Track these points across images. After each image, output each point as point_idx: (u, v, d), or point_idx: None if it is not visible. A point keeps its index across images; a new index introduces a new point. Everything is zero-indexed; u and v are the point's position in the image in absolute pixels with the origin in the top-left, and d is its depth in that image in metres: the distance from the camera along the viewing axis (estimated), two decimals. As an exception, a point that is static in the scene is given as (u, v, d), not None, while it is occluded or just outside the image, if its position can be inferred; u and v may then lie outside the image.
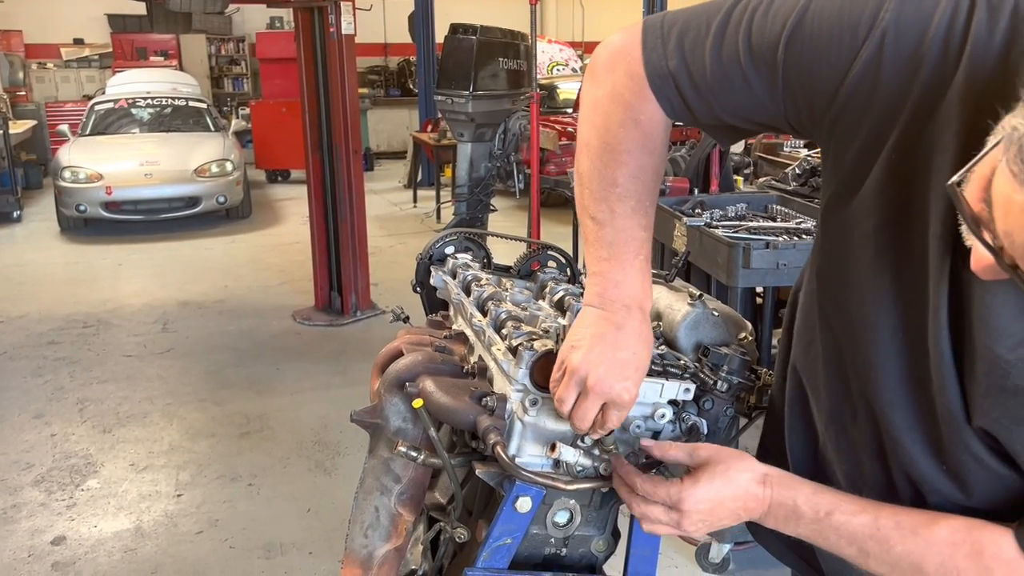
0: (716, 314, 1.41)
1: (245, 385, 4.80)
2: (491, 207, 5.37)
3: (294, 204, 10.00)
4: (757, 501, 1.07)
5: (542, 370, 1.20)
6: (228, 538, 3.29)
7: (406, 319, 1.78)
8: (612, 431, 1.19)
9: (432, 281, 1.65)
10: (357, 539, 1.30)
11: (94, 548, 3.23)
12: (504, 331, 1.32)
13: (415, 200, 10.16)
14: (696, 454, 1.11)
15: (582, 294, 1.63)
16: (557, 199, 6.22)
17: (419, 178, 10.71)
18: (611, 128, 1.10)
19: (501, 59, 4.93)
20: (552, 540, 1.31)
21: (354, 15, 5.54)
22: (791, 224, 3.24)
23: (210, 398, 4.62)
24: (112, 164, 8.60)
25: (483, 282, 1.52)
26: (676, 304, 1.46)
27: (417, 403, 1.23)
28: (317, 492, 3.63)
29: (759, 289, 3.99)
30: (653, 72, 1.07)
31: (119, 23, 14.12)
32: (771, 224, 3.24)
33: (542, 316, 1.46)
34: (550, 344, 1.22)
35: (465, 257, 1.69)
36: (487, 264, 1.72)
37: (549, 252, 1.75)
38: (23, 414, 4.42)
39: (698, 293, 1.43)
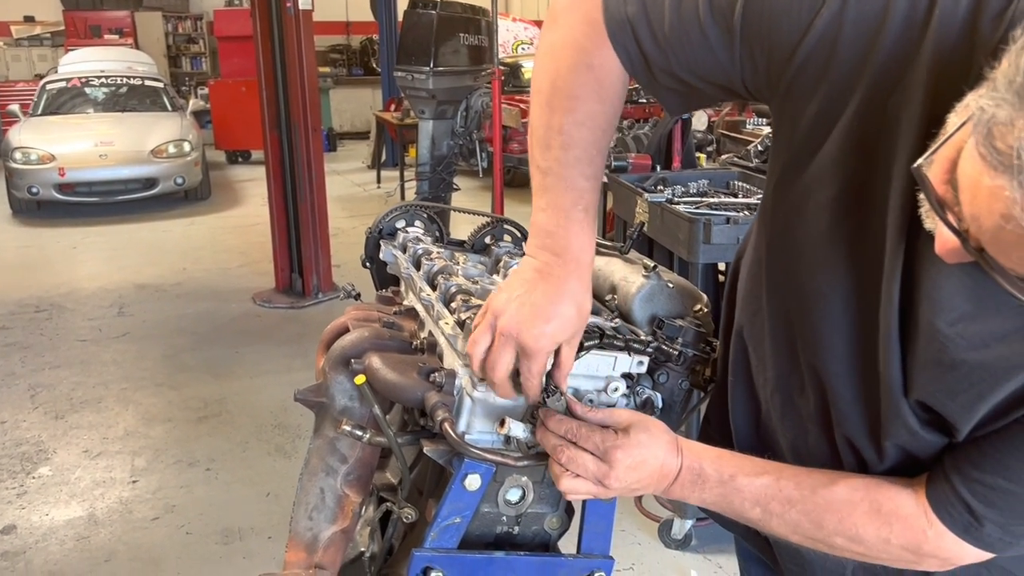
0: (671, 286, 1.38)
1: (203, 369, 4.70)
2: (454, 186, 5.30)
3: (255, 185, 9.82)
4: (670, 467, 1.07)
5: (491, 344, 1.16)
6: (184, 524, 3.23)
7: (357, 296, 1.72)
8: (548, 400, 1.14)
9: (382, 256, 1.60)
10: (302, 521, 1.26)
11: (45, 537, 3.15)
12: (453, 305, 1.28)
13: (379, 180, 10.05)
14: (616, 416, 1.08)
15: (537, 268, 1.59)
16: (522, 178, 6.15)
17: (383, 158, 10.59)
18: (561, 72, 1.06)
19: (462, 35, 4.85)
20: (504, 518, 1.27)
21: (312, -10, 5.43)
22: (752, 200, 3.22)
23: (167, 382, 4.52)
24: (65, 145, 8.38)
25: (433, 256, 1.48)
26: (631, 276, 1.42)
27: (359, 379, 1.19)
28: (276, 476, 3.57)
29: (721, 266, 4.00)
30: (611, 18, 1.02)
31: (71, 0, 13.73)
32: (732, 200, 3.22)
33: (493, 290, 1.42)
34: (499, 317, 1.18)
35: (416, 231, 1.64)
36: (440, 238, 1.67)
37: (504, 226, 1.70)
38: (-28, 401, 4.30)
39: (652, 265, 1.40)
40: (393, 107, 9.77)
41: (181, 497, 3.41)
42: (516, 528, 1.29)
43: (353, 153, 12.24)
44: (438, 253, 1.50)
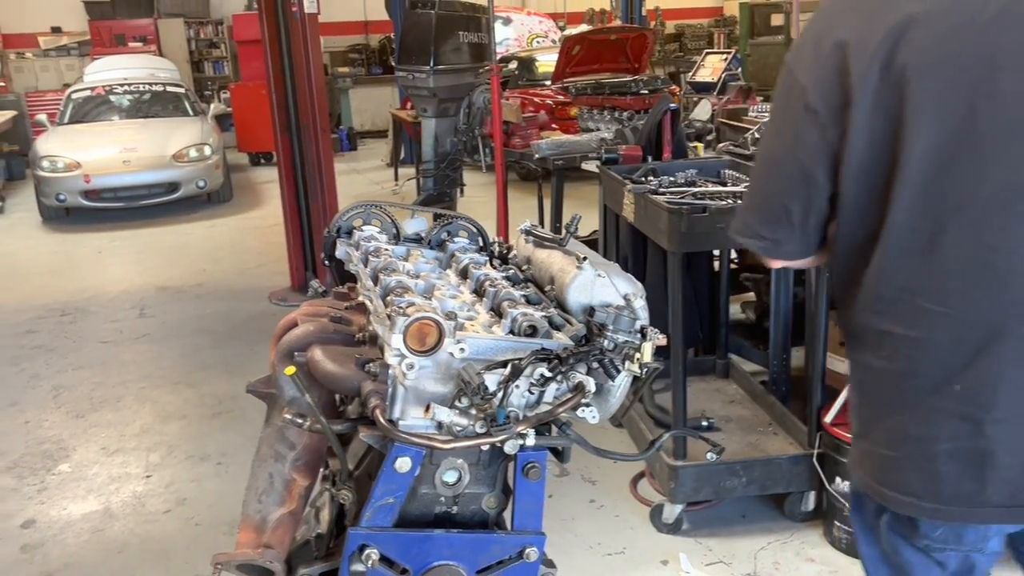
0: (602, 275, 1.45)
1: (219, 367, 4.84)
2: (461, 182, 5.37)
3: (276, 186, 9.89)
4: None
5: (416, 335, 1.24)
6: (194, 516, 3.35)
7: (324, 293, 1.81)
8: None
9: (338, 254, 1.69)
10: (252, 504, 1.35)
11: (63, 530, 3.29)
12: (389, 298, 1.36)
13: (396, 178, 10.15)
14: None
15: (487, 262, 1.67)
16: (531, 172, 6.22)
17: (402, 156, 10.69)
18: None
19: (462, 33, 4.92)
20: (442, 499, 1.35)
21: (316, -7, 5.53)
22: (739, 188, 3.25)
23: (184, 380, 4.67)
24: (90, 152, 8.59)
25: (381, 253, 1.56)
26: (566, 267, 1.49)
27: (289, 370, 1.27)
28: (285, 468, 3.68)
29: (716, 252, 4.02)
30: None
31: (96, 10, 14.02)
32: (719, 189, 3.25)
33: (439, 284, 1.49)
34: (424, 310, 1.26)
35: (372, 229, 1.72)
36: (396, 236, 1.75)
37: (459, 222, 1.78)
38: (-2, 402, 4.47)
39: (583, 256, 1.46)
40: (409, 105, 9.86)
41: (192, 490, 3.53)
42: (455, 508, 1.37)
43: (373, 152, 12.36)
44: (387, 250, 1.58)
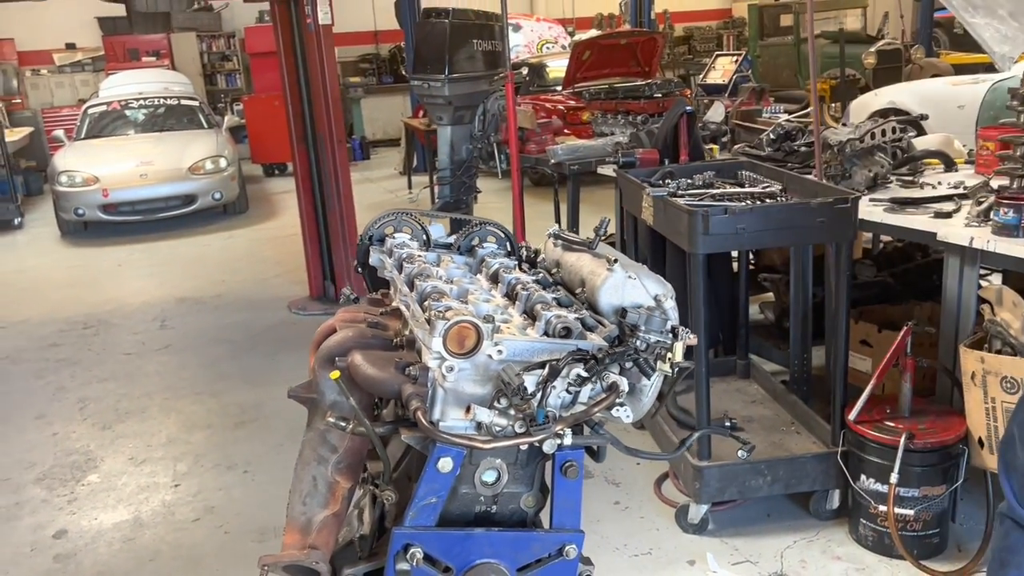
0: (632, 277, 1.47)
1: (241, 377, 4.89)
2: (476, 189, 5.41)
3: (291, 197, 9.93)
4: None
5: (455, 338, 1.27)
6: (223, 524, 3.39)
7: (356, 299, 1.85)
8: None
9: (371, 261, 1.72)
10: (296, 507, 1.38)
11: (94, 539, 3.34)
12: (426, 303, 1.39)
13: (410, 186, 10.21)
14: None
15: (516, 266, 1.70)
16: (545, 177, 6.26)
17: (414, 164, 10.75)
18: None
19: (476, 41, 4.95)
20: (482, 498, 1.38)
21: (330, 5, 5.59)
22: (757, 189, 3.27)
23: (207, 391, 4.72)
24: (107, 166, 8.69)
25: (415, 259, 1.59)
26: (597, 270, 1.52)
27: (334, 374, 1.30)
28: (310, 475, 3.72)
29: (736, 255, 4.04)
30: None
31: (110, 26, 14.18)
32: (736, 190, 3.27)
33: (472, 289, 1.53)
34: (464, 314, 1.29)
35: (403, 236, 1.75)
36: (427, 243, 1.78)
37: (487, 228, 1.81)
38: (25, 415, 4.53)
39: (614, 258, 1.49)
40: (421, 113, 9.92)
41: (220, 499, 3.58)
42: (494, 507, 1.40)
43: (386, 160, 12.43)
44: (420, 256, 1.62)
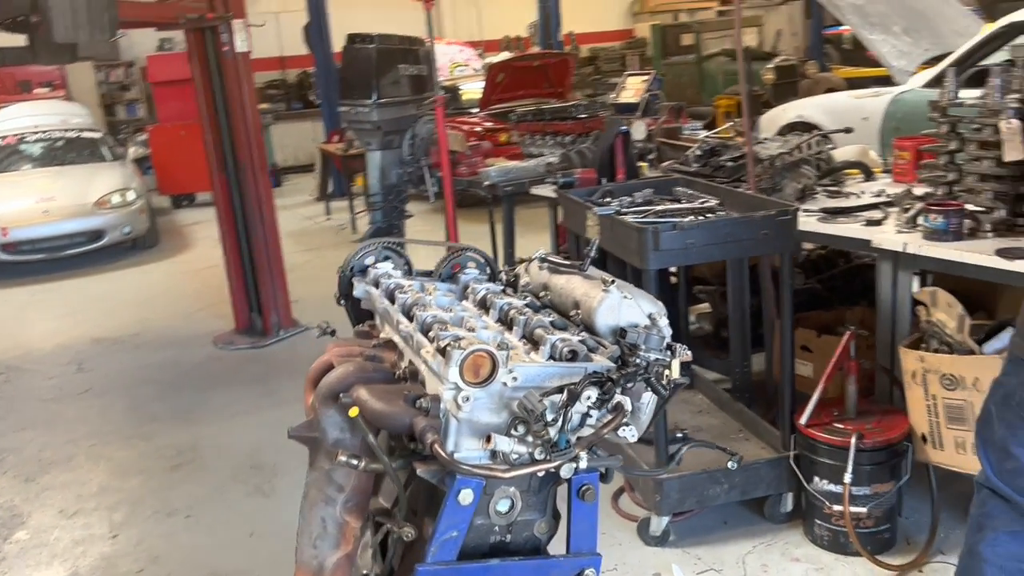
0: (628, 297, 1.49)
1: (172, 417, 4.70)
2: (407, 213, 5.38)
3: (203, 228, 9.76)
4: None
5: (471, 367, 1.25)
6: (170, 573, 3.24)
7: (332, 332, 1.80)
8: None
9: (355, 293, 1.69)
10: (307, 551, 1.34)
11: (30, 600, 3.14)
12: (431, 334, 1.38)
13: (328, 212, 10.07)
14: None
15: (503, 291, 1.70)
16: (472, 199, 6.28)
17: (330, 190, 10.61)
18: None
19: (401, 65, 4.94)
20: (496, 528, 1.37)
21: (248, 32, 5.48)
22: (695, 204, 3.36)
23: (136, 434, 4.51)
24: (5, 204, 8.27)
25: (406, 289, 1.57)
26: (591, 291, 1.53)
27: (353, 412, 1.27)
28: (258, 516, 3.60)
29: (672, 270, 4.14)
30: None
31: (-2, 56, 13.48)
32: (677, 206, 3.36)
33: (467, 316, 1.51)
34: (477, 343, 1.28)
35: (386, 266, 1.73)
36: (408, 271, 1.76)
37: (468, 254, 1.80)
38: (-63, 472, 4.23)
39: (611, 279, 1.51)
40: (337, 139, 9.81)
41: (164, 547, 3.42)
42: (508, 536, 1.38)
43: (299, 187, 12.22)
44: (410, 286, 1.59)
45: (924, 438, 2.84)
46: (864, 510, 2.87)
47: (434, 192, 5.00)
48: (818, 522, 3.00)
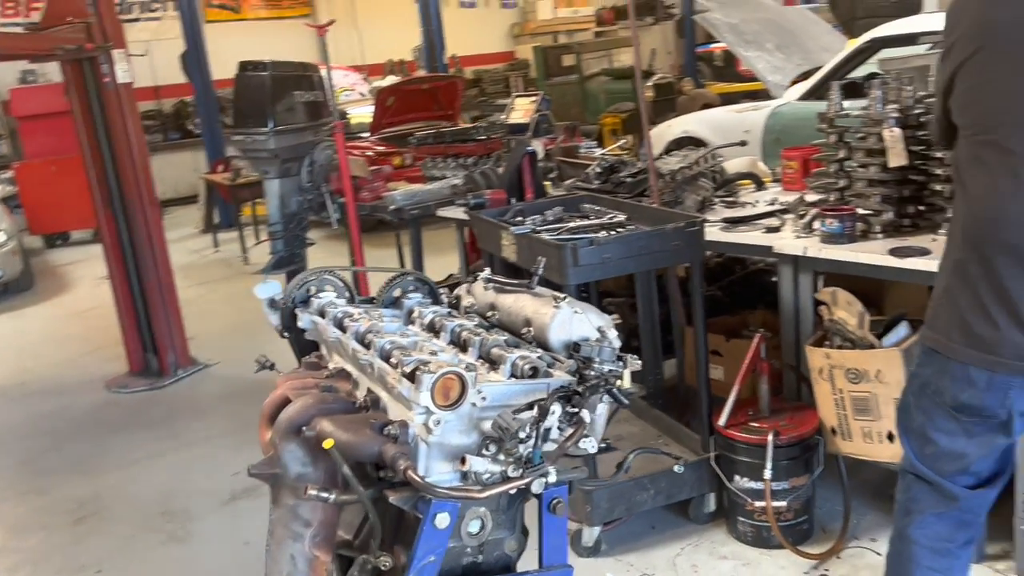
0: (579, 312, 1.53)
1: (69, 468, 4.43)
2: (309, 241, 5.28)
3: (82, 267, 9.30)
4: None
5: (441, 390, 1.26)
6: (86, 633, 3.06)
7: (271, 367, 1.77)
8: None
9: (300, 324, 1.66)
10: (279, 590, 1.30)
11: None
12: (393, 360, 1.37)
13: (216, 244, 9.76)
14: None
15: (449, 314, 1.71)
16: (372, 223, 6.24)
17: (216, 221, 10.28)
18: None
19: (296, 92, 4.87)
20: (468, 549, 1.37)
21: (129, 62, 5.28)
22: (605, 220, 3.46)
23: (31, 489, 4.23)
24: None
25: (356, 317, 1.56)
26: (542, 308, 1.56)
27: (328, 443, 1.25)
28: (175, 564, 3.44)
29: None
30: None
31: None
32: (588, 222, 3.44)
33: (420, 341, 1.52)
34: (445, 366, 1.29)
35: (329, 295, 1.71)
36: (351, 299, 1.75)
37: (408, 279, 1.80)
38: None
39: (562, 296, 1.54)
40: (222, 168, 9.54)
41: (75, 606, 3.22)
42: (480, 556, 1.39)
43: (182, 219, 11.78)
44: (359, 313, 1.58)
45: (834, 431, 3.00)
46: (784, 503, 3.01)
47: (336, 218, 4.93)
48: (741, 519, 3.11)
